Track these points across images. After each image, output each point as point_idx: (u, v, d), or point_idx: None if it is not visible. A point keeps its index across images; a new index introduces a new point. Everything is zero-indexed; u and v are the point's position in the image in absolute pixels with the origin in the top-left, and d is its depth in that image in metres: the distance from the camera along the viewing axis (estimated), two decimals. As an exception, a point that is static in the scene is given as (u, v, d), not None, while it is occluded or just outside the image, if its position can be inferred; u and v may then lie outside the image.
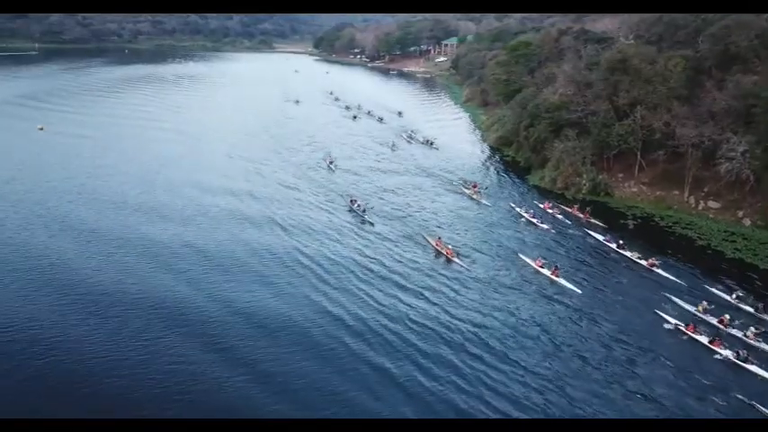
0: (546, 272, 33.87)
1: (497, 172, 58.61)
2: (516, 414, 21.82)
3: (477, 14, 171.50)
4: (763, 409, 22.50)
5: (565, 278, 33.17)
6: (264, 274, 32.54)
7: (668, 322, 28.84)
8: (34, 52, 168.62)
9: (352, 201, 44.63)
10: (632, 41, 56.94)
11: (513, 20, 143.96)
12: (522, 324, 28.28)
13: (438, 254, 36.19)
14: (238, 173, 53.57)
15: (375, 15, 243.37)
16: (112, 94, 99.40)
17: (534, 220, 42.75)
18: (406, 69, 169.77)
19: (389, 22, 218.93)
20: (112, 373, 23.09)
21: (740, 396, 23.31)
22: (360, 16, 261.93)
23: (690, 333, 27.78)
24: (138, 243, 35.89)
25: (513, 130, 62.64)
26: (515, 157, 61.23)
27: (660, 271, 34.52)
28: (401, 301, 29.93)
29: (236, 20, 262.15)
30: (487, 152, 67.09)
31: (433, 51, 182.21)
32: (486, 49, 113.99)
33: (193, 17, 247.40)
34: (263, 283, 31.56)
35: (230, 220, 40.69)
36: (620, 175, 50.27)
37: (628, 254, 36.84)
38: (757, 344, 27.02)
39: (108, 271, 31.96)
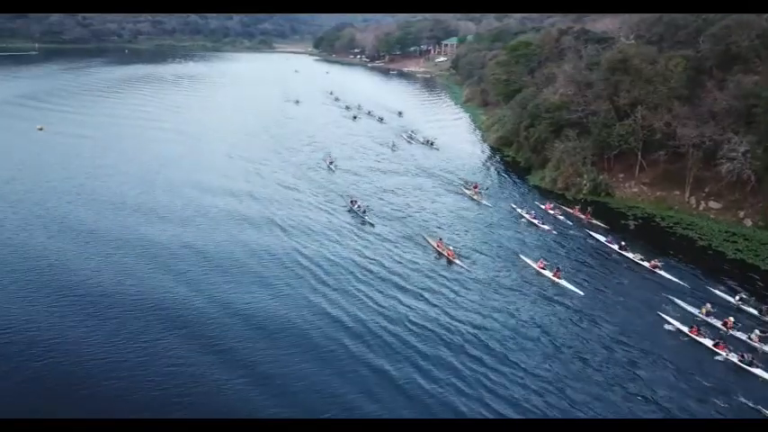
0: (548, 273, 33.72)
1: (498, 172, 58.48)
2: (516, 416, 21.68)
3: (477, 14, 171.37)
4: (768, 412, 22.35)
5: (566, 280, 33.00)
6: (264, 276, 32.40)
7: (671, 324, 28.69)
8: (34, 52, 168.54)
9: (352, 201, 44.49)
10: (633, 41, 56.80)
11: (513, 20, 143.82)
12: (523, 325, 28.14)
13: (439, 255, 36.05)
14: (238, 173, 53.45)
15: (375, 15, 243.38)
16: (112, 94, 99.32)
17: (535, 221, 42.60)
18: (406, 69, 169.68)
19: (389, 22, 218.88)
20: (111, 375, 22.95)
21: (745, 400, 23.12)
22: (360, 16, 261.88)
23: (694, 336, 27.61)
24: (137, 244, 35.77)
25: (514, 131, 62.50)
26: (516, 158, 61.11)
27: (662, 272, 34.34)
28: (401, 302, 29.79)
29: (236, 20, 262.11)
30: (488, 152, 66.96)
31: (433, 51, 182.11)
32: (486, 49, 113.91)
33: (193, 17, 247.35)
34: (262, 284, 31.42)
35: (230, 221, 40.57)
36: (621, 175, 50.14)
37: (630, 255, 36.69)
38: (762, 347, 26.78)
39: (107, 272, 31.83)
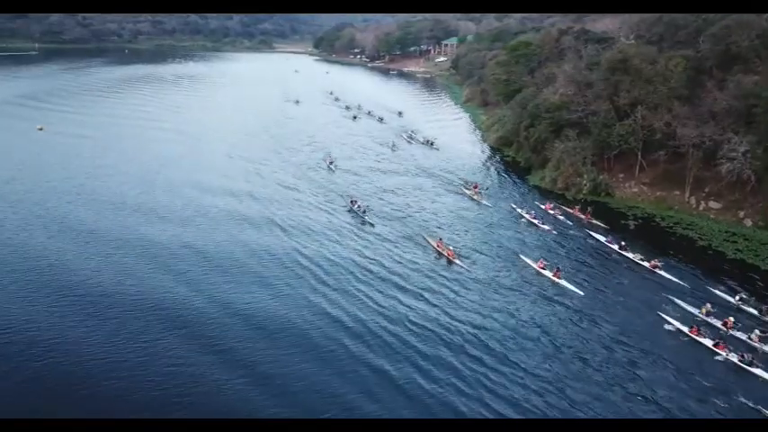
0: (548, 273, 33.71)
1: (498, 172, 58.47)
2: (516, 416, 21.68)
3: (477, 14, 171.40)
4: (769, 413, 22.35)
5: (566, 280, 32.99)
6: (264, 276, 32.39)
7: (671, 324, 28.68)
8: (34, 52, 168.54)
9: (352, 201, 44.49)
10: (633, 41, 56.79)
11: (513, 20, 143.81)
12: (523, 325, 28.13)
13: (438, 255, 36.04)
14: (238, 173, 53.44)
15: (375, 15, 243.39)
16: (112, 94, 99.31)
17: (535, 221, 42.59)
18: (406, 69, 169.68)
19: (389, 22, 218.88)
20: (111, 375, 22.95)
21: (745, 399, 23.11)
22: (360, 16, 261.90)
23: (694, 336, 27.60)
24: (137, 244, 35.77)
25: (514, 131, 62.49)
26: (516, 158, 61.11)
27: (662, 272, 34.33)
28: (401, 302, 29.78)
29: (236, 20, 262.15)
30: (488, 152, 66.96)
31: (433, 51, 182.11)
32: (486, 49, 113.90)
33: (193, 17, 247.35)
34: (262, 284, 31.41)
35: (230, 221, 40.56)
36: (621, 175, 50.14)
37: (630, 255, 36.68)
38: (762, 347, 26.77)
39: (107, 272, 31.83)
